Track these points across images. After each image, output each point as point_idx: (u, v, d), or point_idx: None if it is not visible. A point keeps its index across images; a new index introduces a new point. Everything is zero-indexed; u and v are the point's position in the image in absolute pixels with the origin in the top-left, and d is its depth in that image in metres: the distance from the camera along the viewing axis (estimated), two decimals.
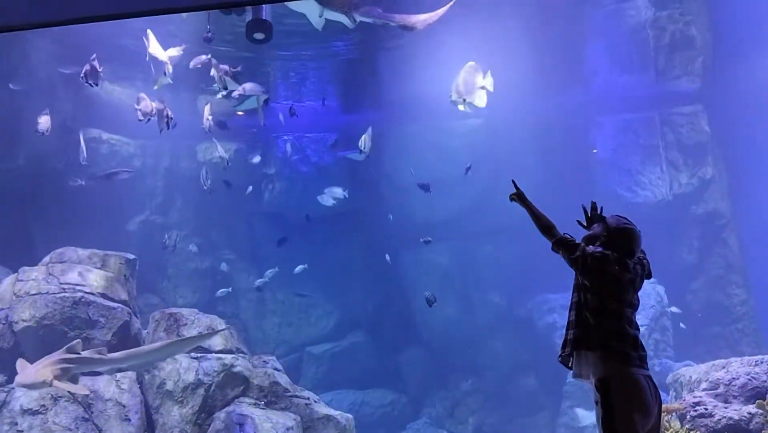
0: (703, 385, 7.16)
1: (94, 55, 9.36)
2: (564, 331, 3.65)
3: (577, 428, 12.30)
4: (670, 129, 14.83)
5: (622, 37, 13.30)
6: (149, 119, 9.95)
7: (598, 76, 14.32)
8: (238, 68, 10.25)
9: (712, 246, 14.65)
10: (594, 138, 14.88)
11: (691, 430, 6.46)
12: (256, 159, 13.98)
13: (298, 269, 13.90)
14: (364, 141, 11.38)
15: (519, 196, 3.94)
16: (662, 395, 8.80)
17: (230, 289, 14.23)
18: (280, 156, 15.02)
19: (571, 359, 3.54)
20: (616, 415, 3.28)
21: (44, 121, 10.17)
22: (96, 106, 12.99)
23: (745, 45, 13.49)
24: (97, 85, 9.46)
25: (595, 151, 14.49)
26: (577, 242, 3.61)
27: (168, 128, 10.02)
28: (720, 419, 6.41)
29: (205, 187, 12.59)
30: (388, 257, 13.82)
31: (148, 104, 9.84)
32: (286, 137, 14.90)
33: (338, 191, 13.61)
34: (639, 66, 13.98)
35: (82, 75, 9.24)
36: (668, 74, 14.03)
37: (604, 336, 3.41)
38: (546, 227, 3.77)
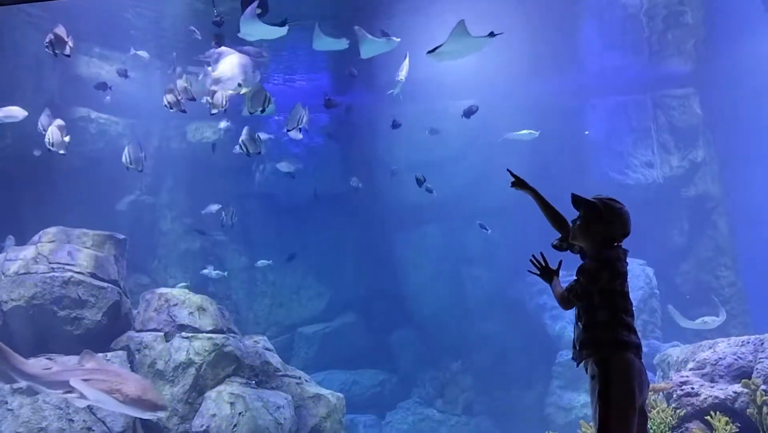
0: (690, 365, 7.24)
1: (59, 25, 8.87)
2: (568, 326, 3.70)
3: (565, 408, 12.45)
4: (663, 112, 14.87)
5: (616, 19, 13.23)
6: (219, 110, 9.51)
7: (591, 58, 14.30)
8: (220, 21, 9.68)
9: (702, 228, 14.77)
10: (587, 120, 14.88)
11: (678, 409, 6.54)
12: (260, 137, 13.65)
13: (261, 263, 13.93)
14: (300, 116, 10.66)
15: (520, 183, 3.92)
16: (650, 375, 8.93)
17: (225, 273, 14.11)
18: (271, 137, 14.90)
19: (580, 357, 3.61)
20: (614, 388, 3.37)
21: (48, 126, 9.84)
22: (84, 84, 12.83)
23: (738, 28, 13.47)
24: (68, 55, 8.84)
25: (587, 133, 14.49)
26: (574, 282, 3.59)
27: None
28: (706, 398, 6.49)
29: (229, 223, 12.44)
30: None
31: (221, 96, 9.14)
32: (276, 117, 14.78)
33: (291, 164, 13.41)
34: (632, 48, 13.95)
35: (46, 43, 8.69)
36: (661, 56, 14.02)
37: (606, 328, 3.47)
38: (558, 222, 3.81)
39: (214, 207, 13.26)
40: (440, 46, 9.40)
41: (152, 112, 12.67)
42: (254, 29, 9.27)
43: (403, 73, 10.84)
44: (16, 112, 10.12)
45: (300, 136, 12.02)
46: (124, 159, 10.32)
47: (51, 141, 9.52)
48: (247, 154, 9.89)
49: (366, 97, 13.88)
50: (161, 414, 7.59)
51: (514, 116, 13.44)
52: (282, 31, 9.54)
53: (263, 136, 12.91)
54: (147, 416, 7.61)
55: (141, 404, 7.04)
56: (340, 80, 14.14)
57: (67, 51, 8.76)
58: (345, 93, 14.57)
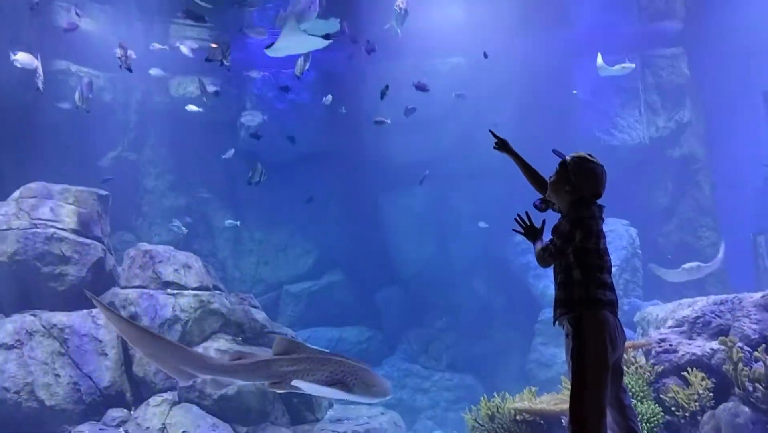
0: (669, 322, 7.37)
1: None
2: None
3: (547, 364, 12.70)
4: (651, 72, 14.79)
5: None
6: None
7: (581, 16, 14.09)
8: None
9: (686, 189, 14.88)
10: (574, 79, 14.77)
11: (656, 365, 6.68)
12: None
13: (228, 223, 13.87)
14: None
15: (503, 145, 3.90)
16: (630, 332, 9.07)
17: (185, 229, 13.68)
18: (255, 92, 14.68)
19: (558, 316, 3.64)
20: (588, 346, 3.42)
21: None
22: (63, 36, 12.48)
23: None
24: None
25: (575, 92, 14.40)
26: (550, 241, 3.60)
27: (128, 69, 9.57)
28: (683, 355, 6.63)
29: (255, 181, 12.00)
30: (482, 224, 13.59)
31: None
32: (262, 73, 14.52)
33: (256, 117, 13.21)
34: (622, 6, 13.79)
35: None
36: (651, 15, 13.88)
37: (581, 286, 3.49)
38: (538, 184, 3.85)
39: (230, 152, 13.16)
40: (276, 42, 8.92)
41: (134, 66, 12.39)
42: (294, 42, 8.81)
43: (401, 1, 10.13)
44: (27, 60, 9.92)
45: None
46: (76, 97, 10.27)
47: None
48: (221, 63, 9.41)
49: (353, 51, 13.63)
50: (384, 398, 6.69)
51: (503, 74, 13.32)
52: (323, 42, 9.09)
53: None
54: (374, 401, 7.10)
55: (367, 392, 6.23)
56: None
57: None
58: (331, 48, 14.28)
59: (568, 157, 3.63)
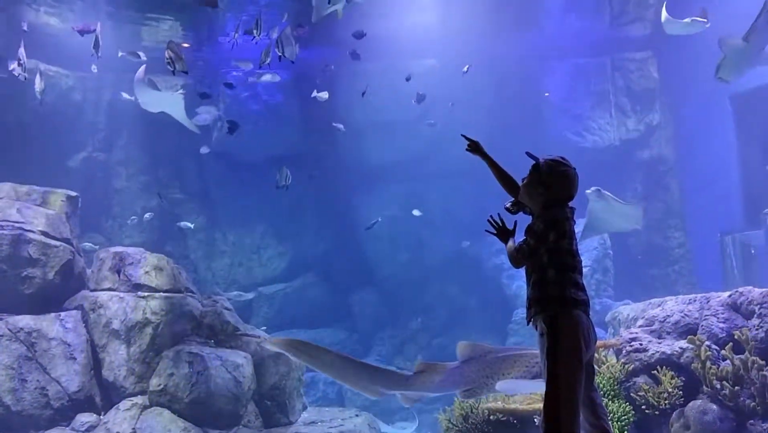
0: (639, 322, 7.47)
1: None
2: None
3: None
4: (621, 75, 15.03)
5: None
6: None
7: (552, 20, 14.26)
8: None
9: (655, 191, 15.14)
10: (546, 82, 14.94)
11: (626, 364, 6.77)
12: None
13: (183, 225, 13.76)
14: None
15: (475, 148, 3.93)
16: (601, 332, 9.17)
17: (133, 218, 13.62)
18: (229, 93, 14.55)
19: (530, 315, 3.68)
20: (562, 345, 3.45)
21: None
22: (32, 34, 12.23)
23: None
24: None
25: (547, 94, 14.56)
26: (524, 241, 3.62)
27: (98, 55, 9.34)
28: (653, 354, 6.72)
29: (282, 184, 11.96)
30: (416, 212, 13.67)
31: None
32: (235, 73, 14.40)
33: (211, 110, 13.10)
34: (593, 10, 13.97)
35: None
36: (622, 19, 14.08)
37: (554, 286, 3.53)
38: (510, 186, 3.86)
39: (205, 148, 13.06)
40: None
41: (104, 65, 12.20)
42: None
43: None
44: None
45: (278, 78, 11.63)
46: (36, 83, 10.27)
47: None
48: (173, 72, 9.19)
49: (326, 54, 13.61)
50: None
51: (475, 76, 13.40)
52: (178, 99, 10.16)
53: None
54: None
55: None
56: (300, 37, 13.80)
57: None
58: (304, 48, 14.24)
59: (541, 160, 3.66)
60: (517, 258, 3.62)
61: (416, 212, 13.69)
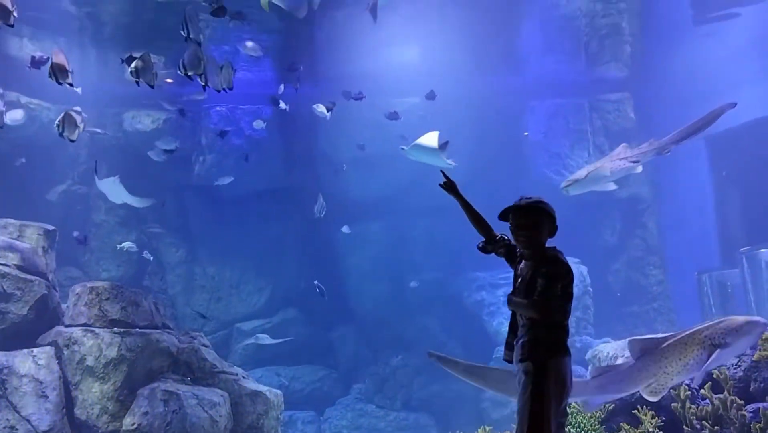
0: (620, 360, 7.51)
1: None
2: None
3: (501, 403, 12.69)
4: (599, 115, 15.36)
5: (555, 24, 13.57)
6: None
7: (531, 61, 14.62)
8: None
9: (633, 229, 15.35)
10: (526, 121, 15.22)
11: (607, 403, 6.76)
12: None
13: (146, 255, 13.63)
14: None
15: (449, 186, 3.96)
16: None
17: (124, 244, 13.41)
18: (212, 127, 14.59)
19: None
20: (550, 390, 3.48)
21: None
22: (13, 66, 12.23)
23: (670, 38, 14.05)
24: (11, 25, 8.10)
25: (526, 134, 14.82)
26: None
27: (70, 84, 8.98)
28: (633, 393, 6.72)
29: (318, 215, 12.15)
30: (345, 229, 13.69)
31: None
32: (218, 108, 14.48)
33: (169, 143, 13.09)
34: (571, 53, 14.34)
35: None
36: (598, 61, 14.47)
37: (554, 330, 3.57)
38: (481, 226, 3.92)
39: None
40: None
41: (86, 99, 12.19)
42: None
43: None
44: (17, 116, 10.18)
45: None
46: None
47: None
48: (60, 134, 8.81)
49: (309, 90, 13.75)
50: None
51: (456, 115, 13.61)
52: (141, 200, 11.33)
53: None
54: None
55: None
56: (283, 73, 13.97)
57: (11, 21, 7.96)
58: (288, 85, 14.39)
59: (541, 202, 3.67)
60: (552, 307, 3.50)
61: (345, 229, 13.66)
